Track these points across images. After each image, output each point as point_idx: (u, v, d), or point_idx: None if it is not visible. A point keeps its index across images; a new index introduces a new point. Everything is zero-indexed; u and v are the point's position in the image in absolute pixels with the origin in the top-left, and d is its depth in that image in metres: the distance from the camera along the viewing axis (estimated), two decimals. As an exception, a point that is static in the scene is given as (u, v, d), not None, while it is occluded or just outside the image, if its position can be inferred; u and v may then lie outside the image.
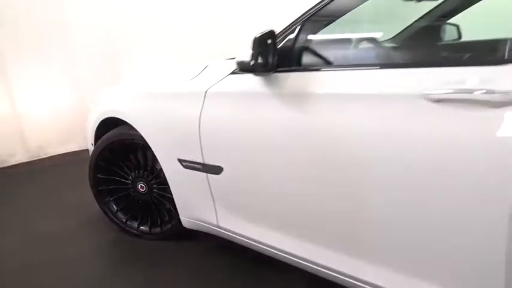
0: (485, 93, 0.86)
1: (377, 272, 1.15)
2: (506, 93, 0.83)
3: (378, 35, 1.49)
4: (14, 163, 3.47)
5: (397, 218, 1.07)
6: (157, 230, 2.04)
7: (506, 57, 0.93)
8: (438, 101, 0.93)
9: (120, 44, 3.91)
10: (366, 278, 1.18)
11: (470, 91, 0.88)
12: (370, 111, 1.06)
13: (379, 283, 1.14)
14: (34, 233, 2.19)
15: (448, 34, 1.57)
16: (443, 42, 1.57)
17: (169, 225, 2.00)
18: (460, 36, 1.67)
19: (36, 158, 3.59)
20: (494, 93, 0.85)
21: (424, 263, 1.04)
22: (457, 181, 0.91)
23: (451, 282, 1.00)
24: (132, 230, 2.08)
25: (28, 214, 2.45)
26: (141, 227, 2.08)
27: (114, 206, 2.12)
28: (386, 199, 1.06)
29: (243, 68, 1.29)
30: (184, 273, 1.71)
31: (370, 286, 1.18)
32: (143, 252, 1.93)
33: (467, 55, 1.31)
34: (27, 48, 3.41)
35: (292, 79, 1.28)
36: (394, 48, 1.46)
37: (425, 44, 1.49)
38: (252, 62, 1.19)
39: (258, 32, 1.18)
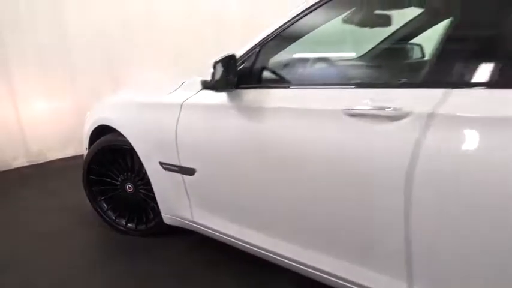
0: (380, 109, 1.10)
1: (320, 258, 1.37)
2: (396, 109, 1.07)
3: (321, 58, 1.73)
4: (16, 166, 3.72)
5: (332, 208, 1.30)
6: (143, 227, 2.26)
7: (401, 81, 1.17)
8: (352, 115, 1.17)
9: (119, 56, 4.18)
10: (310, 263, 1.40)
11: (378, 108, 1.12)
12: (306, 122, 1.30)
13: (325, 268, 1.36)
14: (30, 229, 2.42)
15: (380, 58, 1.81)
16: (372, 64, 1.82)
17: (153, 223, 2.22)
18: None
19: (37, 162, 3.83)
20: (389, 109, 1.09)
21: (348, 244, 1.27)
22: (370, 177, 1.15)
23: (380, 265, 1.22)
24: (120, 227, 2.31)
25: (27, 212, 2.69)
26: (129, 224, 2.30)
27: (105, 205, 2.35)
28: (323, 193, 1.29)
29: (205, 86, 1.54)
30: (165, 267, 1.92)
31: (313, 270, 1.40)
32: (129, 247, 2.15)
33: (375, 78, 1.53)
34: (31, 60, 3.67)
35: (251, 95, 1.52)
36: (331, 70, 1.71)
37: (352, 67, 1.73)
38: (212, 81, 1.44)
39: (218, 56, 1.42)
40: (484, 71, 1.01)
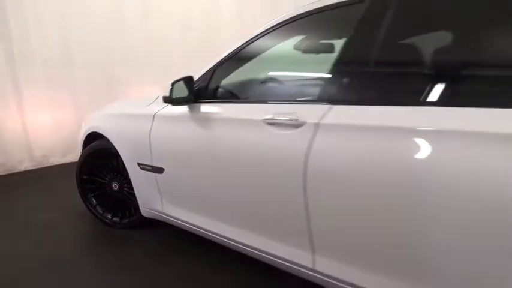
0: (291, 120, 1.48)
1: (265, 242, 1.71)
2: (297, 120, 1.45)
3: (257, 79, 2.12)
4: (22, 170, 4.13)
5: (258, 196, 1.66)
6: (126, 220, 2.64)
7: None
8: (270, 124, 1.56)
9: (116, 73, 4.62)
10: (254, 245, 1.76)
11: (286, 119, 1.50)
12: (241, 129, 1.68)
13: (267, 249, 1.70)
14: (31, 221, 2.81)
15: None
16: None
17: (134, 217, 2.59)
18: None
19: (41, 166, 4.25)
20: (296, 120, 1.46)
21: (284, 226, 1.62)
22: (280, 171, 1.52)
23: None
24: (107, 220, 2.68)
25: (29, 207, 3.09)
26: (114, 218, 2.68)
27: (94, 201, 2.73)
28: (252, 185, 1.66)
29: (165, 100, 1.94)
30: (142, 254, 2.28)
31: (258, 251, 1.75)
32: (113, 238, 2.53)
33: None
34: (37, 77, 4.11)
35: (205, 108, 1.91)
36: (263, 89, 2.10)
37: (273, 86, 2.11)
38: (170, 97, 1.84)
39: (176, 78, 1.82)
40: (350, 93, 1.40)
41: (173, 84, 1.85)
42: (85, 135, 2.73)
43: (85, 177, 2.71)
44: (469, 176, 1.04)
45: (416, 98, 1.24)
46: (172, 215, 2.18)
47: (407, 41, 1.41)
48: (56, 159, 4.35)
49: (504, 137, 1.01)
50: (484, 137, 1.04)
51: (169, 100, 1.91)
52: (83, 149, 2.78)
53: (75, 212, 2.89)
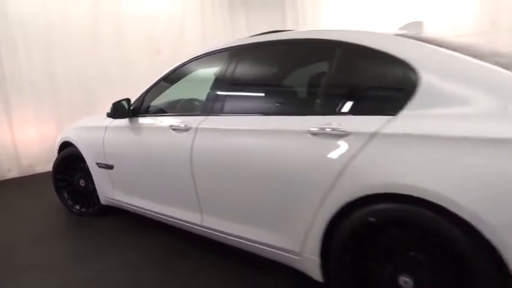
0: (184, 126, 2.27)
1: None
2: (187, 126, 2.25)
3: (175, 100, 2.92)
4: (10, 177, 4.88)
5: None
6: (91, 210, 3.38)
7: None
8: (174, 129, 2.35)
9: (94, 93, 5.41)
10: (169, 213, 2.53)
11: (183, 125, 2.30)
12: (161, 133, 2.47)
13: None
14: (18, 211, 3.56)
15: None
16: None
17: (97, 207, 3.34)
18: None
19: (27, 174, 4.99)
20: (186, 126, 2.26)
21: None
22: (176, 158, 2.30)
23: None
24: (76, 210, 3.43)
25: (17, 205, 3.84)
26: (82, 209, 3.43)
27: (66, 195, 3.48)
28: (164, 173, 2.44)
29: (108, 115, 2.73)
30: (102, 233, 3.02)
31: (171, 218, 2.52)
32: (81, 222, 3.28)
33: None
34: (26, 96, 4.90)
35: (140, 120, 2.70)
36: (179, 105, 2.91)
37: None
38: (111, 114, 2.64)
39: (116, 100, 2.62)
40: (216, 107, 2.21)
41: (113, 104, 2.66)
42: (59, 144, 3.50)
43: (59, 176, 3.47)
44: (269, 157, 1.85)
45: (247, 110, 2.06)
46: (121, 199, 2.94)
47: (245, 76, 2.24)
48: (40, 168, 5.09)
49: (275, 132, 1.82)
50: (267, 132, 1.85)
51: (110, 115, 2.71)
52: (58, 154, 3.55)
53: (53, 206, 3.63)
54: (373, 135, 1.53)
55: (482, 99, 1.37)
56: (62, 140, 3.45)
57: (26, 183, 4.71)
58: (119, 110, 2.69)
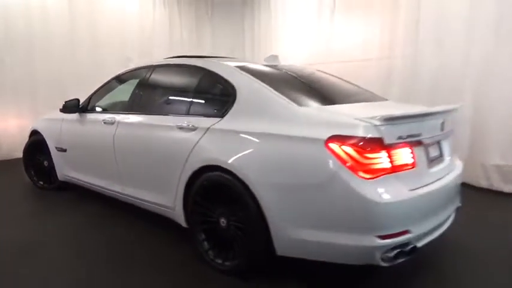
0: (111, 121, 3.20)
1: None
2: (111, 120, 3.18)
3: (114, 102, 3.84)
4: (-9, 161, 5.76)
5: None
6: (52, 185, 4.29)
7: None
8: (105, 123, 3.29)
9: (70, 90, 6.26)
10: (124, 191, 3.44)
11: (108, 119, 3.22)
12: (98, 127, 3.39)
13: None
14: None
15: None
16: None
17: (56, 182, 4.24)
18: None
19: (6, 158, 5.87)
20: (112, 120, 3.19)
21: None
22: (104, 144, 3.23)
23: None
24: (40, 185, 4.33)
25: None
26: (45, 184, 4.32)
27: (33, 173, 4.38)
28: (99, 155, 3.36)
29: (60, 111, 3.65)
30: (56, 201, 3.93)
31: (105, 189, 3.43)
32: (42, 194, 4.18)
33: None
34: (8, 91, 5.79)
35: (86, 115, 3.62)
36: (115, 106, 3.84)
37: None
38: (62, 110, 3.57)
39: (67, 99, 3.54)
40: (129, 108, 3.15)
41: (65, 102, 3.58)
42: (30, 131, 4.40)
43: (27, 158, 4.37)
44: (156, 142, 2.78)
45: (147, 110, 2.99)
46: (72, 176, 3.84)
47: (149, 87, 3.20)
48: (19, 153, 5.87)
49: (160, 126, 2.76)
50: (146, 126, 2.80)
51: (61, 111, 3.63)
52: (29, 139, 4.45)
53: (23, 181, 4.52)
54: (207, 130, 2.47)
55: (264, 112, 2.32)
56: (32, 129, 4.36)
57: (5, 166, 5.58)
58: (69, 107, 3.61)
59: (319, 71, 3.43)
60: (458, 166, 2.66)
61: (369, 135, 1.94)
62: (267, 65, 3.00)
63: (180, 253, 2.70)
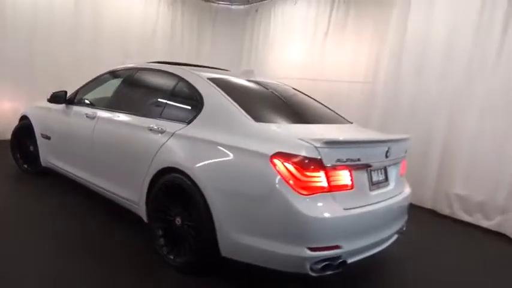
0: (92, 115, 3.41)
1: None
2: (93, 114, 3.38)
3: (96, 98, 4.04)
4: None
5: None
6: (35, 169, 4.48)
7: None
8: (88, 117, 3.49)
9: (65, 78, 6.46)
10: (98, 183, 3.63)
11: (89, 113, 3.43)
12: (81, 119, 3.60)
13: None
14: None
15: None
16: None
17: (40, 168, 4.43)
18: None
19: (0, 139, 6.08)
20: (93, 115, 3.40)
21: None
22: (84, 135, 3.43)
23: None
24: (23, 168, 4.52)
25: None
26: (28, 168, 4.51)
27: (19, 156, 4.57)
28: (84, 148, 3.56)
29: (47, 101, 3.86)
30: (36, 184, 4.13)
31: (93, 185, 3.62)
32: (24, 177, 4.38)
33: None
34: (6, 76, 6.01)
35: (71, 107, 3.83)
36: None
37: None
38: (49, 99, 3.77)
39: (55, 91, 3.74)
40: (107, 105, 3.35)
41: (53, 92, 3.79)
42: (20, 116, 4.61)
43: (15, 142, 4.57)
44: (128, 140, 2.99)
45: (123, 109, 3.20)
46: (54, 163, 4.03)
47: (129, 87, 3.42)
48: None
49: (134, 125, 2.96)
50: (114, 121, 3.00)
51: (48, 101, 3.84)
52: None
53: (10, 163, 4.71)
54: (173, 134, 2.67)
55: (225, 124, 2.52)
56: (22, 114, 4.56)
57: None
58: (56, 97, 3.82)
59: (294, 89, 3.64)
60: (405, 192, 2.83)
61: (310, 156, 2.13)
62: (245, 80, 3.21)
63: (138, 246, 2.89)
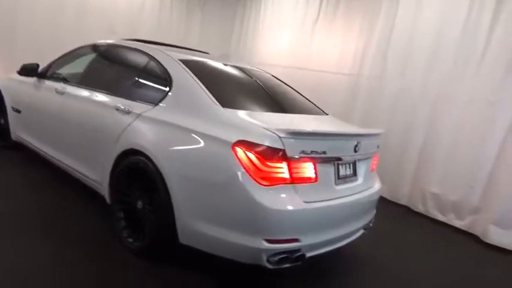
0: (62, 90, 3.29)
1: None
2: (63, 89, 3.27)
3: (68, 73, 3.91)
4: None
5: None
6: (5, 143, 4.35)
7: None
8: (58, 92, 3.37)
9: (46, 53, 6.27)
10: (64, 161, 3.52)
11: (59, 88, 3.31)
12: (51, 94, 3.47)
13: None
14: None
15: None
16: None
17: (11, 141, 4.31)
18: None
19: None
20: (62, 90, 3.28)
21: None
22: (54, 110, 3.31)
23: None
24: (-5, 142, 4.40)
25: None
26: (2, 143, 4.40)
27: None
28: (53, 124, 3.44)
29: (17, 73, 3.72)
30: (5, 159, 4.02)
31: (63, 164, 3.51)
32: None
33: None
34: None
35: (42, 81, 3.70)
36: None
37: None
38: (19, 72, 3.64)
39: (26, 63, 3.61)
40: (77, 81, 3.24)
41: (23, 65, 3.65)
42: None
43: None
44: (94, 118, 2.89)
45: (92, 86, 3.09)
46: (25, 138, 3.91)
47: (100, 64, 3.34)
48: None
49: (101, 103, 2.86)
50: (81, 98, 2.90)
51: (18, 73, 3.70)
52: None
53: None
54: (139, 115, 2.58)
55: (191, 108, 2.44)
56: (-6, 88, 4.41)
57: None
58: (27, 70, 3.69)
59: (274, 76, 3.56)
60: (375, 187, 2.79)
61: (272, 146, 2.06)
62: (222, 64, 3.12)
63: (99, 227, 2.82)
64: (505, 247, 3.74)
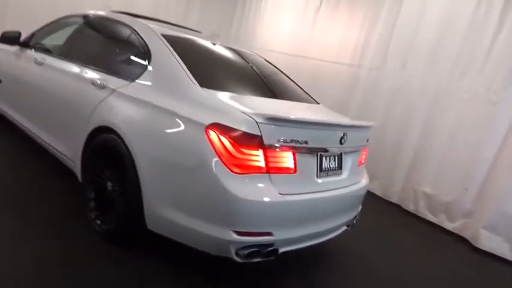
0: (41, 61, 3.12)
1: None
2: (42, 60, 3.10)
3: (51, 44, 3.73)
4: None
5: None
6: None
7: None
8: (38, 64, 3.20)
9: (39, 18, 6.11)
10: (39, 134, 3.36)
11: (38, 59, 3.14)
12: (31, 64, 3.31)
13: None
14: None
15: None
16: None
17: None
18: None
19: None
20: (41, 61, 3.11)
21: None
22: (33, 81, 3.15)
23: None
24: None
25: None
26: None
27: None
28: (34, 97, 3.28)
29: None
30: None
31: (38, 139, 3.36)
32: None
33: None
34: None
35: (24, 50, 3.52)
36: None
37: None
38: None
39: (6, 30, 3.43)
40: (56, 52, 3.07)
41: (3, 32, 3.47)
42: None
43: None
44: (69, 90, 2.73)
45: (70, 58, 2.92)
46: (4, 109, 3.75)
47: (81, 36, 3.17)
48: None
49: (77, 76, 2.69)
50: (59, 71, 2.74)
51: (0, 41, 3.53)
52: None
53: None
54: (113, 91, 2.42)
55: (168, 86, 2.27)
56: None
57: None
58: (7, 38, 3.51)
59: (267, 61, 3.38)
60: (361, 183, 2.64)
61: (248, 131, 1.91)
62: (212, 43, 2.95)
63: (73, 207, 2.69)
64: (495, 253, 3.60)
